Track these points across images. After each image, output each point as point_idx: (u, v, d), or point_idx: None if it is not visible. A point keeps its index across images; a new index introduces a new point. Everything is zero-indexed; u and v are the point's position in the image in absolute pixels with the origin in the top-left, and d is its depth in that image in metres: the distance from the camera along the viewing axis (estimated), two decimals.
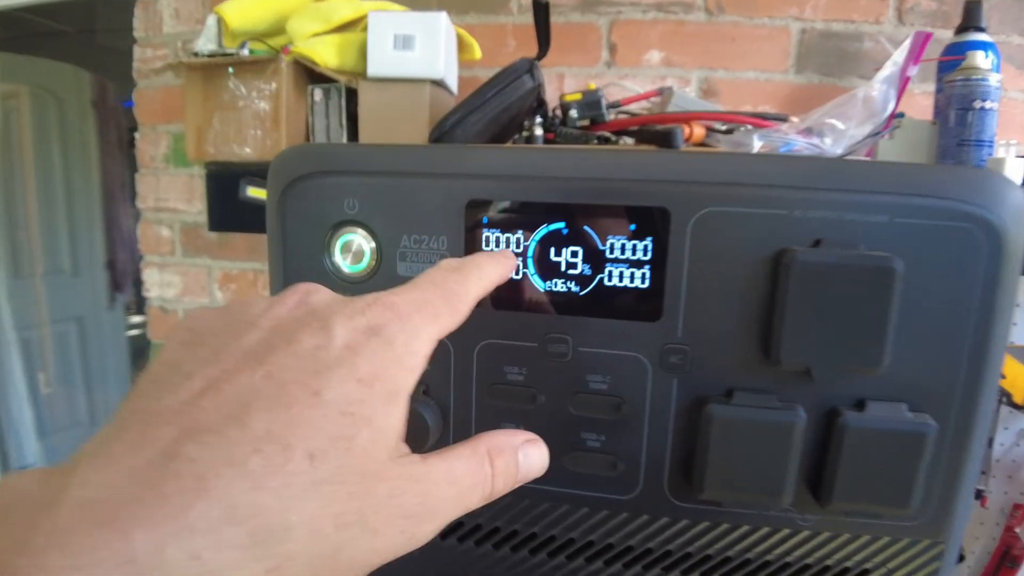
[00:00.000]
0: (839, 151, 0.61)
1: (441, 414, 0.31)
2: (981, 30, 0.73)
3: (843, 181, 0.27)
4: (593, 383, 0.29)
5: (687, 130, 0.65)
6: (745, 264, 0.27)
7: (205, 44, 0.84)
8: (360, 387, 0.16)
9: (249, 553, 0.14)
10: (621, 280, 0.28)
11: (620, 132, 0.71)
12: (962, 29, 0.74)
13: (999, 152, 0.67)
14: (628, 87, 0.91)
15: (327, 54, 0.80)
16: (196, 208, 1.13)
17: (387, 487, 0.16)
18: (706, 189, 0.27)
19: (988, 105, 0.64)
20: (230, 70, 0.84)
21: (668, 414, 0.29)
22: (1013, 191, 0.26)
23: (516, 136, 0.74)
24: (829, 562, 0.29)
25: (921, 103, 0.87)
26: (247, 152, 0.86)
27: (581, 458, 0.30)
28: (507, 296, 0.30)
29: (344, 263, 0.31)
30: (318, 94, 0.86)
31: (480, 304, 0.29)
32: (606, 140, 0.71)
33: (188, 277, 1.18)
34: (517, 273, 0.29)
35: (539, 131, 0.70)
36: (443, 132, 0.66)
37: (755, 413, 0.27)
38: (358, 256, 0.31)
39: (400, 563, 0.33)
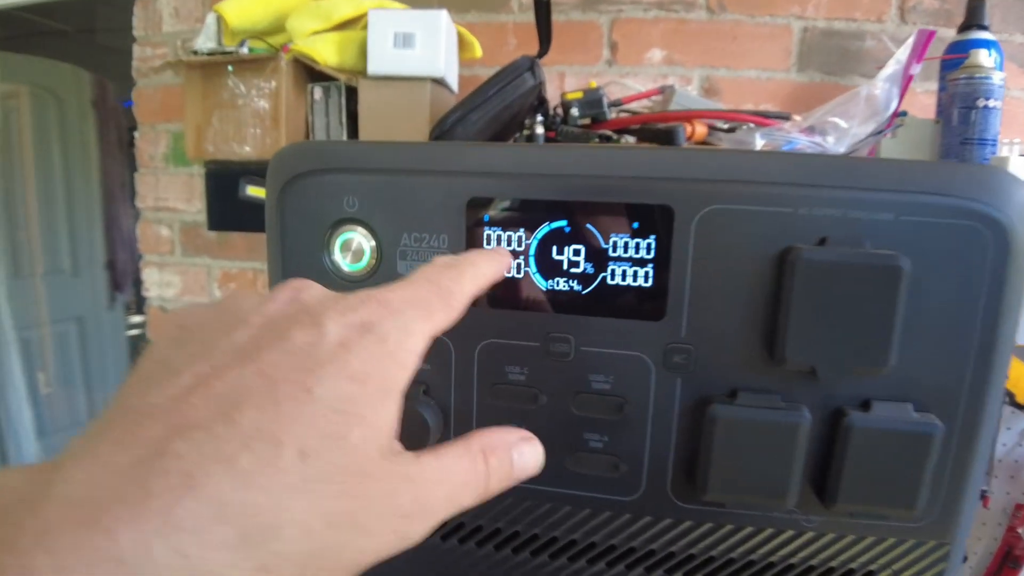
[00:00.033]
0: (841, 150, 0.61)
1: (442, 414, 0.30)
2: (984, 28, 0.73)
3: (848, 178, 0.26)
4: (595, 383, 0.29)
5: (689, 128, 0.65)
6: (749, 262, 0.27)
7: (204, 42, 0.84)
8: (352, 384, 0.16)
9: (238, 552, 0.13)
10: (624, 279, 0.28)
11: (622, 130, 0.71)
12: (965, 27, 0.74)
13: (1002, 151, 0.66)
14: (629, 86, 0.90)
15: (327, 52, 0.80)
16: (196, 207, 1.13)
17: (379, 486, 0.16)
18: (710, 186, 0.27)
19: (991, 103, 0.64)
20: (229, 68, 0.84)
21: (671, 414, 0.29)
22: (1020, 189, 0.26)
23: (517, 135, 0.74)
24: (834, 563, 0.29)
25: (923, 102, 0.86)
26: (246, 151, 0.86)
27: (583, 459, 0.30)
28: (509, 295, 0.29)
29: (344, 262, 0.31)
30: (318, 92, 0.86)
31: (481, 303, 0.30)
32: (607, 139, 0.71)
33: (188, 277, 1.18)
34: (519, 272, 0.29)
35: (540, 129, 0.70)
36: (444, 130, 0.65)
37: (759, 413, 0.27)
38: (358, 255, 0.30)
39: (400, 564, 0.33)
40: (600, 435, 0.29)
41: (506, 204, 0.29)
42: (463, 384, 0.30)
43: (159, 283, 1.19)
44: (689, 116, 0.67)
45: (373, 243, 0.30)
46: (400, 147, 0.30)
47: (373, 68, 0.78)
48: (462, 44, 0.88)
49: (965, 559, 0.87)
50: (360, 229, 0.30)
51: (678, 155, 0.29)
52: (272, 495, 0.14)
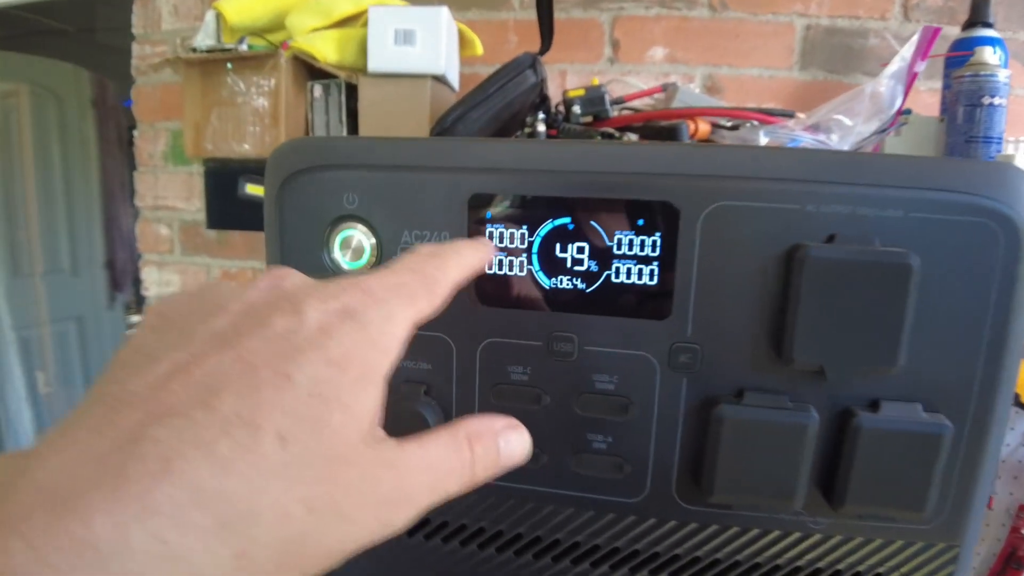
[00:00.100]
0: (845, 148, 0.60)
1: (443, 414, 0.30)
2: (989, 26, 0.73)
3: (857, 175, 0.26)
4: (600, 383, 0.29)
5: (692, 126, 0.64)
6: (757, 260, 0.26)
7: (204, 40, 0.84)
8: (332, 370, 0.16)
9: (216, 537, 0.13)
10: (629, 277, 0.28)
11: (624, 128, 0.70)
12: (969, 25, 0.74)
13: (1007, 149, 0.66)
14: (631, 84, 0.90)
15: (327, 49, 0.80)
16: (195, 206, 1.13)
17: (360, 472, 0.16)
18: (717, 183, 0.26)
19: (997, 101, 0.63)
20: (228, 66, 0.84)
21: (677, 415, 0.28)
22: None
23: (518, 132, 0.73)
24: (841, 566, 0.29)
25: (926, 100, 0.86)
26: (246, 149, 0.85)
27: (587, 460, 0.29)
28: (511, 293, 0.29)
29: (343, 259, 0.30)
30: (318, 90, 0.85)
31: (481, 302, 0.29)
32: (610, 136, 0.70)
33: (187, 276, 1.17)
34: (522, 270, 0.29)
35: (542, 127, 0.69)
36: (444, 128, 0.65)
37: (766, 414, 0.26)
38: (358, 252, 0.30)
39: (400, 566, 0.33)
40: (604, 436, 0.29)
41: (509, 200, 0.28)
42: (465, 384, 0.30)
43: (158, 282, 1.19)
44: (692, 113, 0.67)
45: (373, 241, 0.30)
46: (401, 143, 0.30)
47: (373, 65, 0.78)
48: (463, 41, 0.87)
49: None
50: (360, 226, 0.30)
51: (684, 151, 0.29)
52: (251, 480, 0.14)
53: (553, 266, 0.28)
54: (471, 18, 0.96)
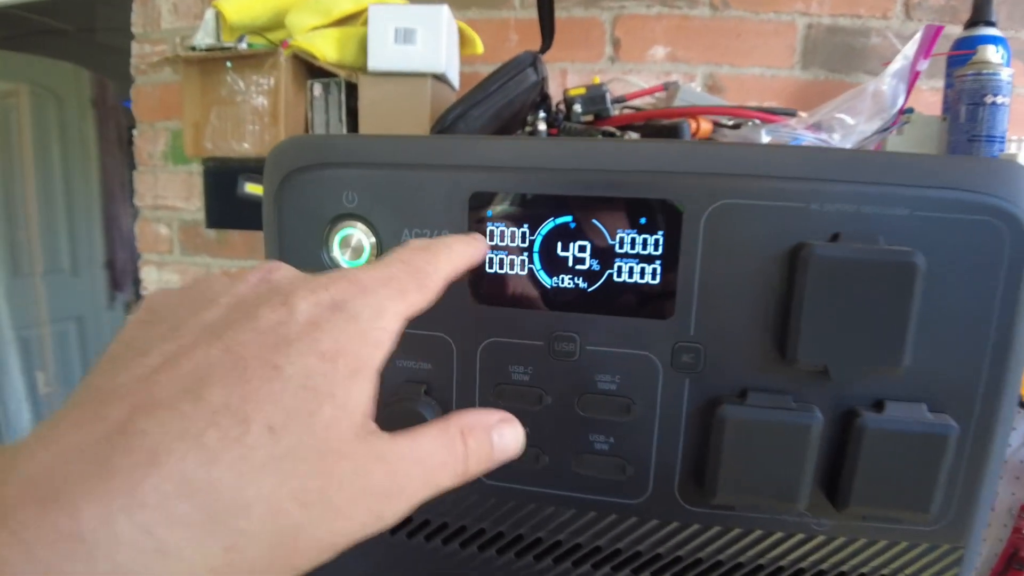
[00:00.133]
0: (847, 147, 0.60)
1: (443, 414, 0.30)
2: (991, 24, 0.72)
3: (862, 173, 0.26)
4: (601, 383, 0.28)
5: (693, 125, 0.64)
6: (760, 259, 0.26)
7: (203, 38, 0.83)
8: (322, 362, 0.16)
9: (204, 530, 0.13)
10: (631, 276, 0.27)
11: (625, 127, 0.70)
12: (972, 23, 0.74)
13: (1010, 148, 0.65)
14: (632, 82, 0.90)
15: (327, 48, 0.80)
16: (195, 206, 1.13)
17: (351, 464, 0.16)
18: (720, 181, 0.26)
19: (999, 100, 0.63)
20: (228, 64, 0.84)
21: (679, 415, 0.28)
22: None
23: (519, 131, 0.73)
24: (845, 568, 0.29)
25: (928, 99, 0.86)
26: (245, 148, 0.85)
27: (589, 461, 0.29)
28: (512, 293, 0.29)
29: (343, 258, 0.30)
30: (317, 89, 0.85)
31: (482, 301, 0.29)
32: (611, 135, 0.70)
33: (187, 276, 1.17)
34: (523, 268, 0.28)
35: (542, 126, 0.69)
36: (445, 127, 0.65)
37: (770, 414, 0.26)
38: (357, 251, 0.30)
39: (400, 567, 0.32)
40: (606, 437, 0.29)
41: (510, 199, 0.28)
42: (465, 384, 0.30)
43: (158, 282, 1.19)
44: (693, 112, 0.66)
45: (373, 239, 0.29)
46: (401, 141, 0.30)
47: (373, 64, 0.78)
48: (463, 40, 0.87)
49: None
50: (360, 225, 0.29)
51: (687, 149, 0.28)
52: (239, 472, 0.14)
53: (554, 265, 0.28)
54: (471, 17, 0.96)
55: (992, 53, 0.64)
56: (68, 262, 2.07)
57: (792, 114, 0.67)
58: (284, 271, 0.20)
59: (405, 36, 0.76)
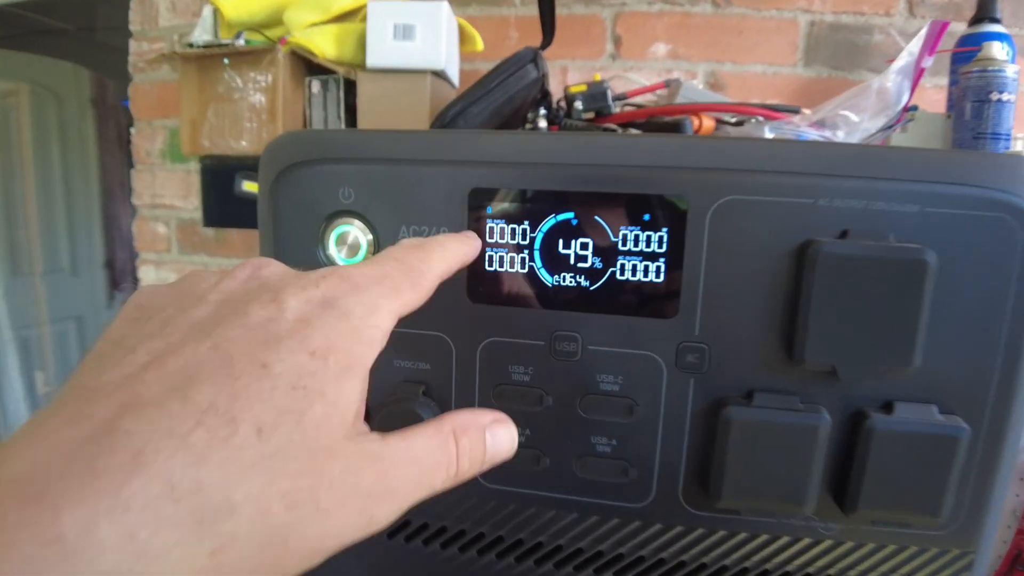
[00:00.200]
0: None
1: None
2: (996, 21, 0.72)
3: (871, 168, 0.25)
4: (604, 384, 0.28)
5: (696, 121, 0.64)
6: (767, 257, 0.26)
7: (201, 35, 0.83)
8: (312, 360, 0.16)
9: (190, 532, 0.13)
10: (634, 274, 0.27)
11: (627, 124, 0.69)
12: (977, 20, 0.73)
13: (1016, 146, 0.65)
14: (634, 80, 0.89)
15: (325, 44, 0.79)
16: (192, 204, 1.12)
17: (341, 464, 0.16)
18: (726, 176, 0.26)
19: (1005, 97, 0.62)
20: (225, 61, 0.83)
21: (684, 417, 0.28)
22: None
23: (520, 128, 0.72)
24: (852, 573, 0.28)
25: (931, 97, 0.85)
26: (243, 145, 0.85)
27: (590, 463, 0.29)
28: (512, 291, 0.28)
29: (339, 256, 0.29)
30: (316, 86, 0.84)
31: (481, 300, 0.28)
32: (612, 133, 0.69)
33: (184, 274, 1.16)
34: (523, 267, 0.28)
35: (543, 123, 0.68)
36: (444, 124, 0.64)
37: (776, 415, 0.26)
38: (354, 249, 0.29)
39: (397, 571, 0.32)
40: (609, 439, 0.28)
41: (510, 195, 0.28)
42: (464, 385, 0.29)
43: (156, 281, 1.18)
44: (696, 109, 0.66)
45: (370, 237, 0.29)
46: (399, 136, 0.29)
47: (372, 61, 0.77)
48: (463, 37, 0.86)
49: None
50: (356, 222, 0.29)
51: (692, 143, 0.28)
52: (227, 473, 0.14)
53: (556, 263, 0.28)
54: (472, 14, 0.96)
55: (997, 50, 0.63)
56: (68, 262, 2.07)
57: (795, 111, 0.66)
58: (274, 267, 0.19)
59: (404, 32, 0.76)
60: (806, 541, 0.28)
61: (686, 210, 0.26)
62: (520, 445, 0.22)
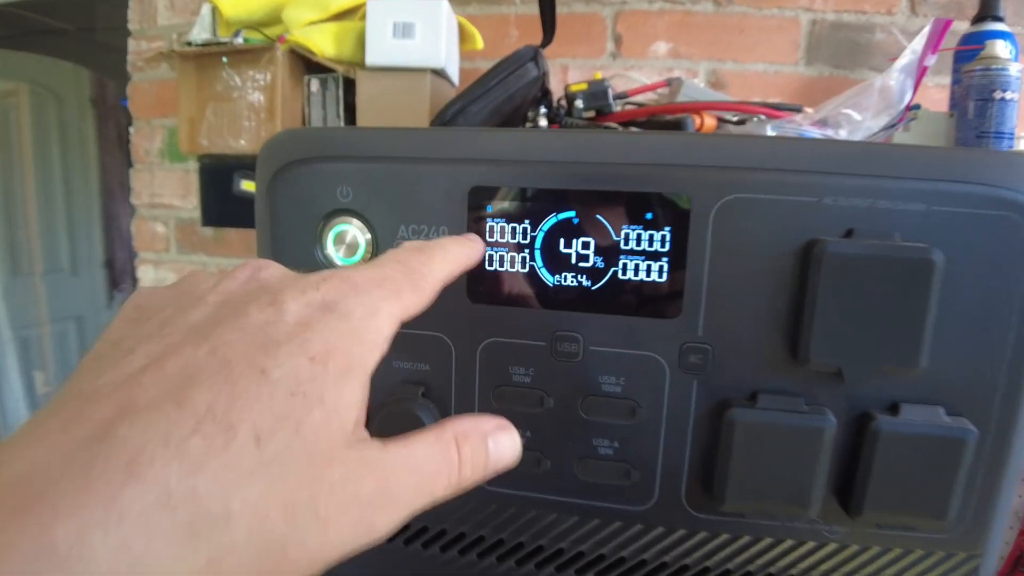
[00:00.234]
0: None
1: (441, 417, 0.29)
2: (999, 19, 0.71)
3: (877, 166, 0.25)
4: (606, 385, 0.28)
5: (697, 120, 0.63)
6: (771, 256, 0.25)
7: (199, 33, 0.83)
8: (312, 365, 0.15)
9: (186, 544, 0.13)
10: (636, 274, 0.27)
11: (628, 123, 0.69)
12: (979, 18, 0.73)
13: (1019, 145, 0.64)
14: (634, 78, 0.89)
15: (324, 43, 0.79)
16: (191, 204, 1.12)
17: (341, 470, 0.15)
18: (729, 174, 0.25)
19: (1008, 96, 0.62)
20: (224, 59, 0.83)
21: (687, 419, 0.27)
22: None
23: (520, 127, 0.72)
24: None
25: (934, 96, 0.85)
26: (241, 144, 0.84)
27: (592, 466, 0.28)
28: (513, 291, 0.28)
29: (337, 255, 0.29)
30: (315, 84, 0.84)
31: (481, 300, 0.28)
32: (614, 131, 0.69)
33: (183, 274, 1.16)
34: (524, 266, 0.27)
35: (544, 122, 0.68)
36: (444, 122, 0.64)
37: (781, 417, 0.25)
38: (352, 248, 0.29)
39: (398, 575, 0.31)
40: (610, 441, 0.28)
41: (510, 193, 0.27)
42: (464, 386, 0.29)
43: (154, 281, 1.18)
44: (697, 108, 0.65)
45: (368, 236, 0.29)
46: (397, 133, 0.29)
47: (371, 59, 0.77)
48: (463, 35, 0.86)
49: None
50: (355, 221, 0.29)
51: (695, 141, 0.27)
52: (224, 482, 0.13)
53: (557, 262, 0.27)
54: (471, 12, 0.95)
55: (1001, 48, 0.63)
56: (68, 261, 2.07)
57: (798, 110, 0.66)
58: (273, 269, 0.19)
59: (404, 30, 0.75)
60: (810, 544, 0.28)
61: (689, 209, 0.26)
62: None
